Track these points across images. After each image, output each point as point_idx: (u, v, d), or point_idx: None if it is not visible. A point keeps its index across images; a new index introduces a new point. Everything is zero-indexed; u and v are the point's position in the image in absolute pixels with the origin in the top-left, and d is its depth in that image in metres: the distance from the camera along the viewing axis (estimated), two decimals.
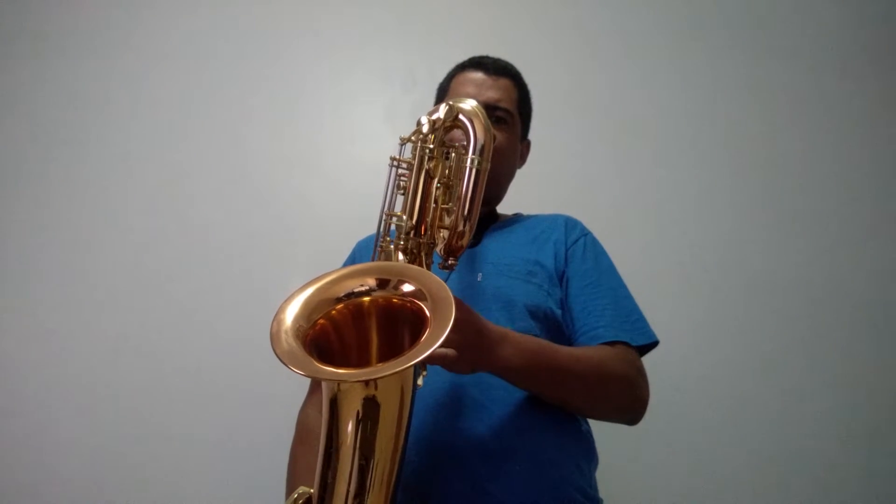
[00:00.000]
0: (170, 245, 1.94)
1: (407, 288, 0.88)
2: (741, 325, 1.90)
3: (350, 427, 0.85)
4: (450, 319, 0.79)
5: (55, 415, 1.79)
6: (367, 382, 0.83)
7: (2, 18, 2.09)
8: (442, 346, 0.80)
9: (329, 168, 2.03)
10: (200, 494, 1.71)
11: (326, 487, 0.87)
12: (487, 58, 1.42)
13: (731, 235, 1.98)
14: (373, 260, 1.05)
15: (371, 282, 0.90)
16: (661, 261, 1.95)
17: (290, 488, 1.22)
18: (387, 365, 0.77)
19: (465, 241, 1.01)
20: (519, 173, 1.48)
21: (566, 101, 2.04)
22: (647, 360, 1.23)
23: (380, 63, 2.12)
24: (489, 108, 1.32)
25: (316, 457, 1.17)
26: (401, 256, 1.00)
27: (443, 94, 1.43)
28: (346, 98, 2.10)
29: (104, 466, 1.75)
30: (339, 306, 0.88)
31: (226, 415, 1.79)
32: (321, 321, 0.86)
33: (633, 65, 2.13)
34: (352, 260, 1.44)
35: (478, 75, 1.38)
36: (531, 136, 1.51)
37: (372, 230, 1.11)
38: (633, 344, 1.21)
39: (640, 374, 1.21)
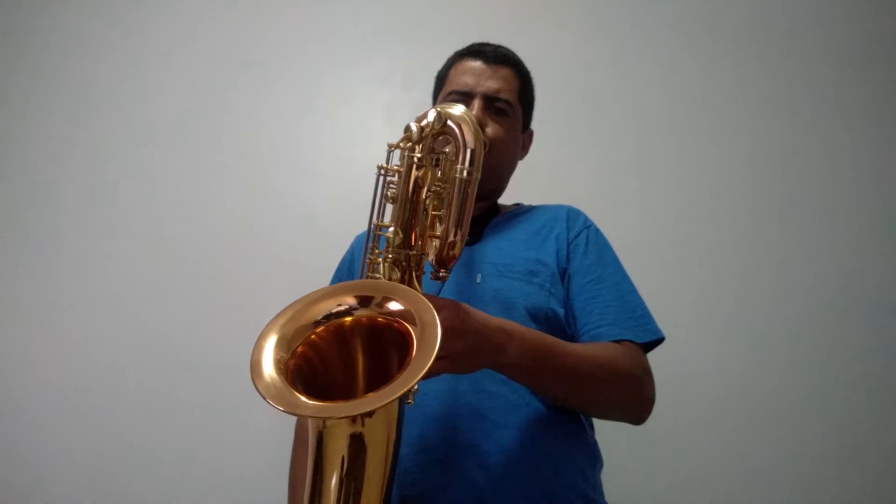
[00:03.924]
0: (167, 244, 1.94)
1: (392, 306, 0.86)
2: (749, 324, 1.87)
3: (338, 456, 0.83)
4: (435, 342, 0.76)
5: (50, 416, 1.80)
6: (353, 419, 0.81)
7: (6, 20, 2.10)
8: (435, 362, 0.78)
9: (329, 168, 2.02)
10: (200, 497, 1.73)
11: None
12: (487, 45, 1.36)
13: (735, 235, 1.94)
14: (361, 271, 1.02)
15: (351, 301, 0.88)
16: (668, 259, 1.91)
17: (292, 492, 1.23)
18: (371, 398, 0.75)
19: (456, 252, 0.97)
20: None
21: (569, 99, 2.01)
22: (653, 360, 1.20)
23: (380, 63, 2.09)
24: (489, 100, 1.29)
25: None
26: (384, 268, 0.97)
27: (441, 82, 1.39)
28: (346, 98, 2.07)
29: (101, 469, 1.77)
30: (320, 329, 0.86)
31: (224, 417, 1.79)
32: (301, 348, 0.84)
33: (644, 64, 2.07)
34: (350, 255, 1.42)
35: (477, 64, 1.32)
36: (534, 125, 1.46)
37: None
38: (638, 341, 1.18)
39: (646, 372, 1.18)
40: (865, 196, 1.95)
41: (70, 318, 1.88)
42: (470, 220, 0.98)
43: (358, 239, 1.43)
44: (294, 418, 1.30)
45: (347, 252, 1.43)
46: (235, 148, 2.03)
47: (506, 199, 1.43)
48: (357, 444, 0.84)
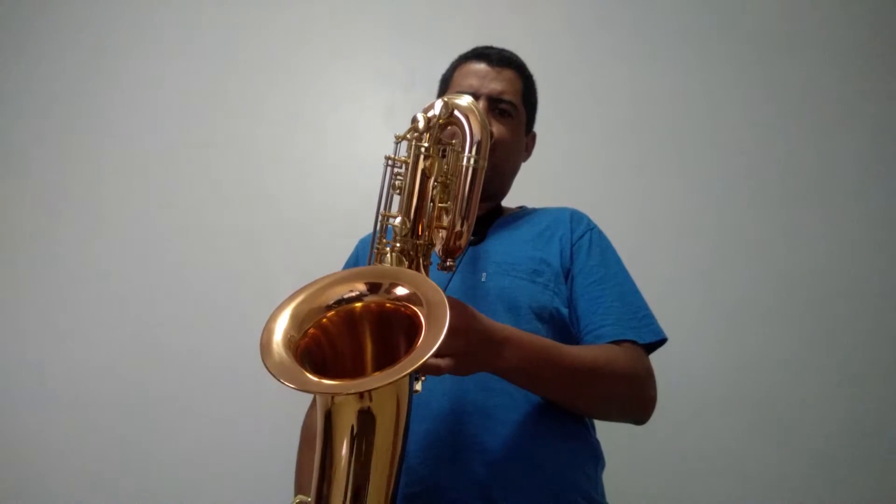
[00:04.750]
0: (172, 243, 1.95)
1: (400, 292, 0.86)
2: (751, 325, 1.87)
3: (346, 436, 0.82)
4: (444, 325, 0.76)
5: (46, 418, 1.80)
6: (361, 394, 0.81)
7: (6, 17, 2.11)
8: (440, 352, 0.78)
9: (330, 168, 2.03)
10: (204, 496, 1.71)
11: (322, 499, 0.85)
12: (491, 48, 1.38)
13: (737, 236, 1.95)
14: (369, 261, 1.02)
15: (361, 287, 0.88)
16: (670, 261, 1.92)
17: (298, 486, 1.21)
18: (379, 376, 0.75)
19: (463, 242, 0.98)
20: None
21: (572, 101, 2.03)
22: (656, 360, 1.20)
23: (380, 63, 2.11)
24: (493, 101, 1.31)
25: None
26: (391, 258, 0.97)
27: (445, 85, 1.40)
28: (347, 98, 2.09)
29: (99, 471, 1.76)
30: (331, 314, 0.86)
31: (229, 416, 1.79)
32: (312, 330, 0.83)
33: (647, 66, 2.10)
34: (355, 258, 1.42)
35: (481, 66, 1.34)
36: (537, 128, 1.47)
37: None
38: (641, 342, 1.18)
39: (648, 372, 1.18)
40: (870, 196, 1.96)
41: (68, 319, 1.88)
42: (476, 210, 0.98)
43: (362, 241, 1.44)
44: (299, 423, 1.31)
45: (352, 255, 1.44)
46: (237, 148, 2.04)
47: (509, 201, 1.43)
48: (366, 419, 0.83)
